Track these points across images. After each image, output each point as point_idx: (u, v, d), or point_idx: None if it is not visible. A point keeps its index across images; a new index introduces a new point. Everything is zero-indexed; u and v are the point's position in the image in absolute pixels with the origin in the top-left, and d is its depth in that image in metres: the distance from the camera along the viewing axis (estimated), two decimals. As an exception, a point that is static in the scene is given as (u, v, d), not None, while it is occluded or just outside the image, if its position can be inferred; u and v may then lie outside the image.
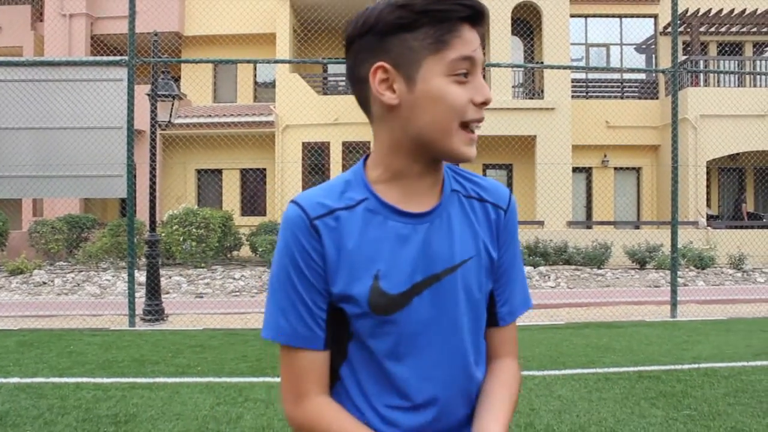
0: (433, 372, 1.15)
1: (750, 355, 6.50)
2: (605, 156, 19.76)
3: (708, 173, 19.01)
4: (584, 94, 20.39)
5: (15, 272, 14.35)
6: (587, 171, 20.07)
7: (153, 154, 9.23)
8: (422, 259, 1.14)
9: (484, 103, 1.11)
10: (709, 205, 19.42)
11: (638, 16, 20.45)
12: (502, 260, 1.24)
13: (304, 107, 18.46)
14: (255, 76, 21.65)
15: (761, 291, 11.90)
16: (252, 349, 6.79)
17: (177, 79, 19.59)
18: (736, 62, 19.79)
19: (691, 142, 17.99)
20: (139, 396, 5.00)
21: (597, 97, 20.47)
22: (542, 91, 18.71)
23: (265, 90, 21.44)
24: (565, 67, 15.50)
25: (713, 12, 18.97)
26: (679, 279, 9.67)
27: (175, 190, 19.65)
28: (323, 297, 1.14)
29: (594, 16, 20.35)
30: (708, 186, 19.31)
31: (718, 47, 20.85)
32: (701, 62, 19.05)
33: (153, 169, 9.19)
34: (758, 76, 19.45)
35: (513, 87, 19.23)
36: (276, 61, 10.90)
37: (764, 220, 18.99)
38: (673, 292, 9.01)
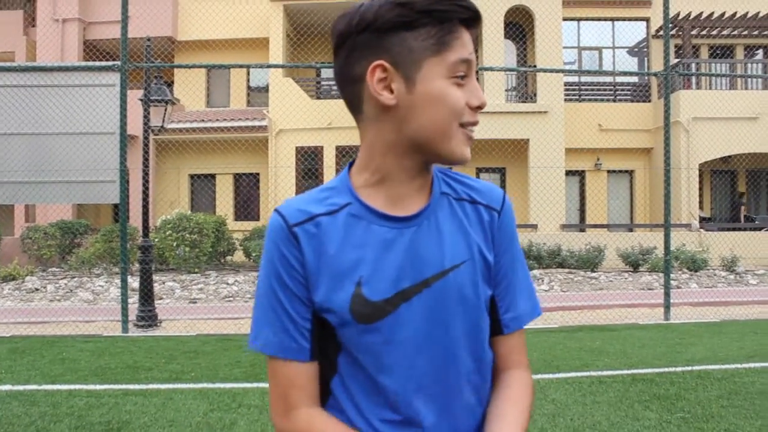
0: (425, 383, 1.11)
1: (743, 357, 6.52)
2: (598, 159, 19.81)
3: (700, 176, 19.08)
4: (577, 97, 20.45)
5: (7, 279, 14.30)
6: (580, 174, 20.12)
7: (146, 160, 9.21)
8: (409, 264, 1.10)
9: (480, 107, 1.09)
10: (701, 208, 19.48)
11: (630, 19, 20.53)
12: (500, 264, 1.19)
13: (297, 112, 18.46)
14: (248, 80, 21.63)
15: (753, 293, 11.94)
16: (246, 355, 6.77)
17: (170, 84, 19.55)
18: (728, 65, 19.89)
19: (683, 144, 18.06)
20: (132, 403, 4.98)
21: (590, 100, 20.54)
22: (535, 95, 18.76)
23: (258, 94, 21.42)
24: (557, 71, 15.57)
25: (704, 15, 19.07)
26: (672, 281, 9.70)
27: (168, 195, 19.61)
28: (307, 307, 1.11)
29: (586, 19, 20.43)
30: (700, 188, 19.38)
31: (709, 50, 20.95)
32: (693, 65, 19.13)
33: (146, 174, 9.16)
34: (749, 79, 19.54)
35: (506, 90, 19.28)
36: (269, 66, 10.88)
37: (756, 222, 19.05)
38: (667, 294, 9.03)
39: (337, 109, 17.85)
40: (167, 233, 15.48)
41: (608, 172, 20.14)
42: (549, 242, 16.55)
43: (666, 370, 5.98)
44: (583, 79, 20.90)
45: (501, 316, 1.20)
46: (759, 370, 5.93)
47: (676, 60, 18.69)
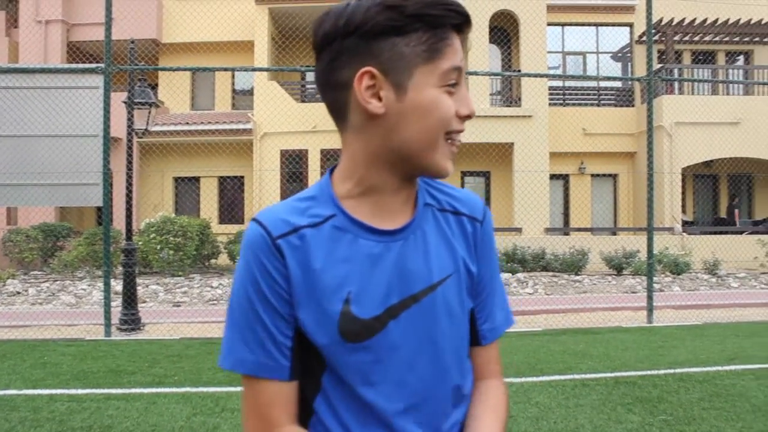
0: (415, 400, 1.07)
1: (724, 359, 6.58)
2: (582, 163, 19.94)
3: (683, 180, 19.25)
4: (561, 101, 20.57)
5: (-12, 282, 14.15)
6: (564, 178, 20.23)
7: (130, 162, 9.16)
8: (397, 279, 1.05)
9: (469, 116, 1.05)
10: (684, 211, 19.65)
11: (614, 24, 20.70)
12: (481, 275, 1.16)
13: (282, 115, 18.42)
14: (233, 83, 21.57)
15: (735, 296, 12.05)
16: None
17: (154, 87, 19.48)
18: (710, 71, 20.10)
19: (666, 149, 18.22)
20: (114, 407, 4.94)
21: (574, 104, 20.68)
22: (519, 99, 18.85)
23: (243, 97, 21.37)
24: (542, 75, 15.61)
25: (687, 21, 19.27)
26: (655, 284, 9.78)
27: (153, 198, 19.51)
28: (288, 323, 1.05)
29: (571, 24, 20.57)
30: (683, 192, 19.55)
31: (692, 56, 21.17)
32: (675, 70, 19.32)
33: (129, 177, 9.11)
34: (731, 85, 19.76)
35: (491, 95, 19.36)
36: (254, 69, 10.88)
37: (738, 225, 19.23)
38: (649, 297, 9.10)
39: (322, 112, 17.80)
40: (151, 236, 15.39)
41: (592, 175, 20.28)
42: (533, 246, 16.63)
43: (649, 372, 6.02)
44: (568, 83, 21.03)
45: (479, 327, 1.18)
46: (740, 372, 5.99)
47: (659, 65, 18.85)
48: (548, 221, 18.33)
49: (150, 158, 19.25)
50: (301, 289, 1.04)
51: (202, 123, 19.04)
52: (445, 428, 1.10)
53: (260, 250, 1.04)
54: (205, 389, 5.52)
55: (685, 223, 18.85)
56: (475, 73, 10.63)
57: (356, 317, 1.03)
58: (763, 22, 19.49)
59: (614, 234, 19.17)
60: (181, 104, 20.82)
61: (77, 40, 20.09)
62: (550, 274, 15.94)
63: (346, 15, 1.00)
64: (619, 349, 7.27)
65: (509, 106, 19.37)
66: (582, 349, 7.24)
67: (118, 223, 13.88)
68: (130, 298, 8.76)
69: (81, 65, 8.78)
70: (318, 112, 17.95)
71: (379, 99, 1.01)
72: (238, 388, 5.51)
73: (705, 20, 19.23)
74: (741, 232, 18.39)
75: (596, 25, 20.70)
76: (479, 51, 18.39)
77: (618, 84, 21.10)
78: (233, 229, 18.27)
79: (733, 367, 6.18)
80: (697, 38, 20.47)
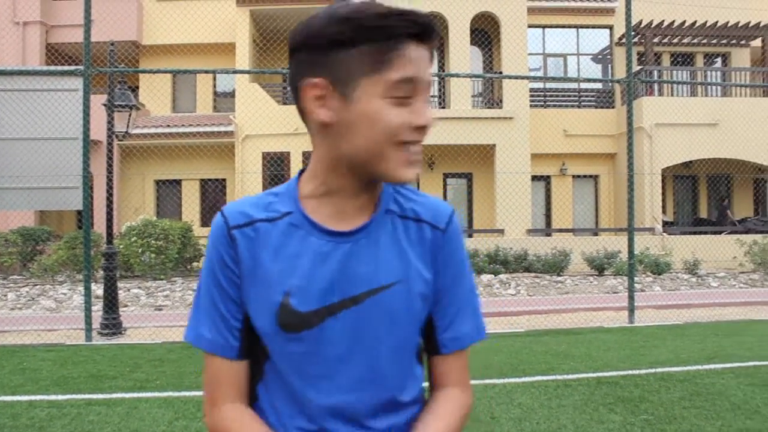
0: (345, 398, 1.11)
1: (704, 358, 6.65)
2: (563, 164, 20.07)
3: (663, 180, 19.43)
4: (542, 103, 20.69)
5: (-34, 287, 13.97)
6: (546, 179, 20.35)
7: (110, 165, 9.08)
8: (341, 279, 1.09)
9: (424, 128, 1.05)
10: (664, 212, 19.83)
11: (594, 27, 20.86)
12: (440, 283, 1.17)
13: (263, 117, 18.37)
14: (214, 85, 21.48)
15: (714, 295, 12.18)
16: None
17: (135, 89, 19.37)
18: (688, 72, 20.31)
19: (646, 150, 18.39)
20: (95, 413, 4.90)
21: (555, 106, 20.82)
22: (501, 101, 18.94)
23: (224, 100, 21.28)
24: (523, 77, 15.72)
25: (666, 24, 19.46)
26: (636, 285, 9.86)
27: (134, 201, 19.37)
28: (239, 307, 1.13)
29: (551, 26, 20.70)
30: (663, 193, 19.73)
31: (671, 58, 21.38)
32: (655, 72, 19.50)
33: (110, 180, 9.04)
34: (709, 86, 19.97)
35: (472, 96, 19.43)
36: (235, 72, 10.80)
37: (734, 224, 19.39)
38: (631, 297, 9.16)
39: (304, 114, 17.79)
40: (132, 239, 15.28)
41: (573, 177, 20.42)
42: (515, 247, 16.70)
43: (630, 372, 6.06)
44: (548, 85, 21.16)
45: (439, 336, 1.19)
46: (719, 371, 6.06)
47: (639, 67, 19.04)
48: (530, 222, 18.42)
49: (131, 161, 19.12)
50: (249, 277, 1.11)
51: (183, 125, 18.94)
52: (375, 428, 1.13)
53: (217, 237, 1.13)
54: (187, 393, 5.48)
55: (665, 224, 19.03)
56: (457, 75, 10.67)
57: (294, 310, 1.09)
58: (740, 24, 19.74)
59: (596, 234, 19.32)
60: (162, 107, 20.70)
61: (56, 41, 19.90)
62: (533, 275, 16.01)
63: (306, 27, 1.06)
64: (601, 349, 7.31)
65: (491, 108, 19.45)
66: (564, 350, 7.28)
67: (99, 226, 13.75)
68: (111, 302, 8.69)
69: (60, 67, 8.70)
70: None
71: (329, 108, 1.05)
72: (221, 392, 5.47)
73: (683, 23, 19.44)
74: (720, 232, 18.60)
75: (576, 27, 20.85)
76: (460, 53, 18.47)
77: (598, 86, 21.26)
78: (215, 232, 18.13)
79: (713, 366, 6.25)
80: (675, 40, 20.69)
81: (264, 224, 1.12)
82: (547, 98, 21.01)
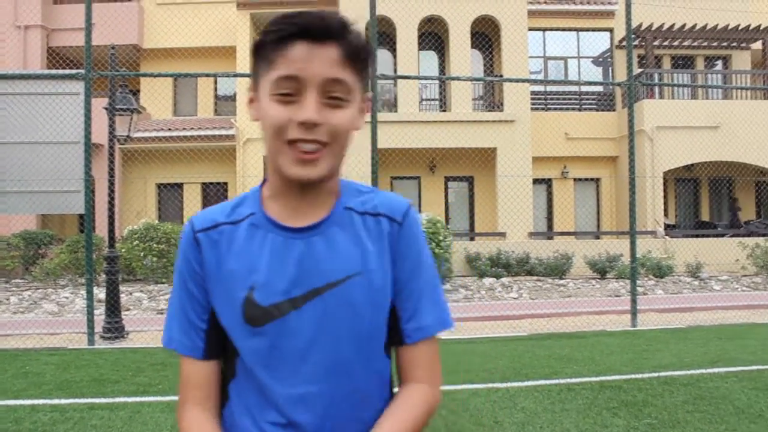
0: (311, 389, 1.14)
1: (707, 362, 6.63)
2: (565, 167, 20.06)
3: (665, 183, 19.41)
4: (543, 106, 20.69)
5: (-32, 291, 13.96)
6: (547, 182, 20.34)
7: (111, 169, 9.08)
8: (301, 273, 1.14)
9: (303, 123, 1.08)
10: (666, 215, 19.81)
11: (595, 29, 20.86)
12: (400, 273, 1.20)
13: (265, 120, 18.33)
14: (215, 89, 21.49)
15: (717, 299, 12.16)
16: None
17: (136, 93, 19.37)
18: (689, 75, 20.31)
19: (647, 153, 18.38)
20: (98, 417, 4.89)
21: (556, 109, 20.81)
22: (502, 104, 18.93)
23: (225, 103, 21.29)
24: (524, 80, 15.72)
25: (666, 26, 19.46)
26: (638, 288, 9.83)
27: (135, 204, 19.37)
28: (204, 308, 1.19)
29: (552, 29, 20.71)
30: (665, 196, 19.71)
31: (671, 60, 21.38)
32: (656, 75, 19.49)
33: (112, 183, 9.03)
34: (710, 89, 19.97)
35: (473, 100, 19.42)
36: (236, 75, 10.83)
37: (743, 226, 19.38)
38: (633, 301, 9.15)
39: (305, 117, 17.79)
40: (134, 243, 15.28)
41: (575, 180, 20.40)
42: (517, 250, 16.68)
43: (633, 376, 6.05)
44: (549, 88, 21.16)
45: (403, 325, 1.21)
46: (723, 375, 6.04)
47: (640, 70, 19.04)
48: (532, 225, 18.41)
49: (132, 165, 19.12)
50: (214, 277, 1.17)
51: (184, 129, 18.95)
52: (342, 419, 1.16)
53: (184, 242, 1.20)
54: (190, 398, 5.46)
55: (667, 227, 19.02)
56: (458, 78, 10.69)
57: (257, 304, 1.14)
58: (741, 27, 19.74)
59: (597, 238, 19.28)
60: (163, 110, 20.71)
61: (57, 45, 19.92)
62: (535, 278, 16.00)
63: None
64: (604, 353, 7.30)
65: (492, 111, 19.45)
66: (567, 354, 7.26)
67: (101, 230, 13.72)
68: (113, 306, 8.68)
69: (61, 71, 8.71)
70: (301, 118, 17.88)
71: (254, 109, 1.17)
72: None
73: (684, 25, 19.45)
74: (722, 235, 18.58)
75: (577, 30, 20.86)
76: (461, 56, 18.47)
77: (599, 89, 21.26)
78: (216, 235, 18.13)
79: (716, 370, 6.23)
80: (676, 43, 20.70)
81: (228, 227, 1.18)
82: (548, 101, 21.02)
